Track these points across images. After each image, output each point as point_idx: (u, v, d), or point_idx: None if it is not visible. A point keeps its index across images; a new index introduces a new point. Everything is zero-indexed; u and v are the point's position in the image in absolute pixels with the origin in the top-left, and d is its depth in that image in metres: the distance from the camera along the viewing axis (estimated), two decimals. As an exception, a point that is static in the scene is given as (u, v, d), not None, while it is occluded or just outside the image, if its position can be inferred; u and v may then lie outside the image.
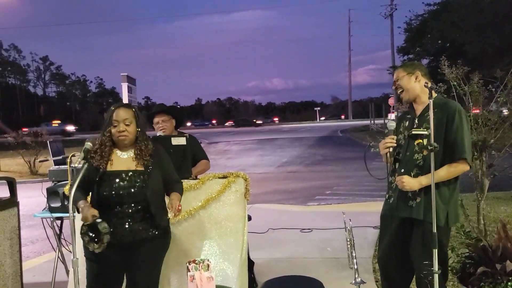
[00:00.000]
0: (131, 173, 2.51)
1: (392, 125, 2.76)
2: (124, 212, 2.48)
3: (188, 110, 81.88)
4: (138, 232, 2.51)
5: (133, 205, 2.49)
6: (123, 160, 2.56)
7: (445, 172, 2.59)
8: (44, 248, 5.94)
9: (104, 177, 2.48)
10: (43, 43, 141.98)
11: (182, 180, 3.30)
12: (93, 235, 2.33)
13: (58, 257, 3.91)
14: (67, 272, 3.89)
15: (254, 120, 54.45)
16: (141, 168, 2.55)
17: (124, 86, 8.75)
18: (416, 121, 2.75)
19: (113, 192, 2.47)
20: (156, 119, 3.76)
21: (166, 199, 2.68)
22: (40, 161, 5.28)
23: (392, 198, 2.81)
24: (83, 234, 2.36)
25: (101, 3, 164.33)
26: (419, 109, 2.78)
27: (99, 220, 2.33)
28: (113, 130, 2.52)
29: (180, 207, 2.52)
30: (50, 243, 4.11)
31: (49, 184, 3.88)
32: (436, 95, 2.78)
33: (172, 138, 3.38)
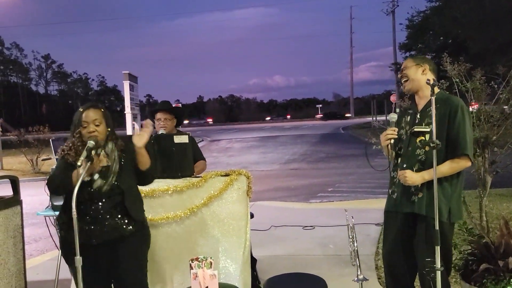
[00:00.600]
0: (104, 169, 2.52)
1: (393, 117, 2.76)
2: (100, 209, 2.50)
3: (190, 107, 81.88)
4: (116, 228, 2.52)
5: (108, 200, 2.51)
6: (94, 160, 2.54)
7: (447, 168, 2.59)
8: (47, 246, 5.96)
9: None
10: (44, 41, 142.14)
11: (185, 178, 3.33)
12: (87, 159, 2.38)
13: (62, 255, 3.92)
14: (70, 270, 3.90)
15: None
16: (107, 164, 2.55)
17: (126, 84, 8.70)
18: (418, 116, 2.74)
19: (89, 189, 2.47)
20: (159, 116, 3.81)
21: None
22: (42, 160, 5.31)
23: (396, 194, 2.80)
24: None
25: (103, 1, 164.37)
26: (421, 103, 2.77)
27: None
28: (83, 131, 2.52)
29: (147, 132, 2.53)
30: (53, 241, 4.10)
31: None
32: (439, 90, 2.78)
33: (175, 136, 3.39)
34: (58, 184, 2.52)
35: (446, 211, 2.63)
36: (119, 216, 2.55)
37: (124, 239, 2.55)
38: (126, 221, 2.56)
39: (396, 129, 2.73)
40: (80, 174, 2.32)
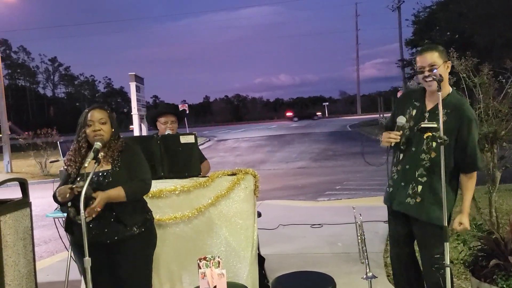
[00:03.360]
0: (98, 173, 2.52)
1: (401, 122, 2.65)
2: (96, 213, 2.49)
3: (197, 107, 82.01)
4: (112, 233, 2.52)
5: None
6: (92, 162, 2.52)
7: (471, 185, 2.65)
8: (57, 247, 6.00)
9: (73, 179, 2.53)
10: (51, 45, 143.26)
11: (191, 178, 3.33)
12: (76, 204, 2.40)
13: (71, 256, 3.95)
14: (80, 271, 3.93)
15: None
16: (107, 167, 2.56)
17: (132, 86, 8.76)
18: (427, 116, 2.63)
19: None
20: (163, 119, 3.82)
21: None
22: (50, 162, 5.35)
23: (391, 189, 2.80)
24: (68, 210, 2.43)
25: (108, 3, 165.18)
26: (431, 101, 2.65)
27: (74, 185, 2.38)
28: (88, 130, 2.55)
29: (97, 209, 2.39)
30: (63, 242, 4.14)
31: (60, 184, 3.91)
32: (451, 90, 2.65)
33: (181, 136, 3.40)
34: (54, 197, 2.55)
35: (447, 215, 2.64)
36: (112, 220, 2.53)
37: (123, 243, 2.54)
38: (120, 226, 2.54)
39: (401, 133, 2.64)
40: (86, 177, 2.34)
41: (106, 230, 2.52)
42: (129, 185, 2.55)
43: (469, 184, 2.65)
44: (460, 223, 2.64)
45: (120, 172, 2.56)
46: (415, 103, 2.74)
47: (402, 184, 2.71)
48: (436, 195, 2.54)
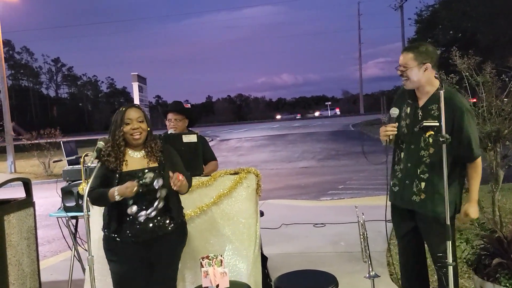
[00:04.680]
0: (147, 170, 2.53)
1: (395, 113, 2.69)
2: (143, 210, 2.51)
3: (200, 107, 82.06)
4: (158, 228, 2.54)
5: (151, 201, 2.51)
6: (137, 159, 2.59)
7: (476, 175, 2.64)
8: (60, 247, 6.02)
9: (122, 178, 2.50)
10: (54, 45, 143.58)
11: (193, 177, 3.34)
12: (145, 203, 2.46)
13: (74, 255, 3.97)
14: (84, 270, 3.94)
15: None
16: (155, 164, 2.58)
17: (135, 86, 8.78)
18: (420, 112, 2.67)
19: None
20: (169, 116, 3.83)
21: (183, 198, 2.74)
22: (54, 162, 5.36)
23: (397, 187, 2.81)
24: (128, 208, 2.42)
25: (111, 4, 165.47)
26: (422, 99, 2.69)
27: (142, 181, 2.40)
28: (126, 128, 2.54)
29: (180, 177, 2.45)
30: (66, 242, 4.16)
31: (64, 184, 3.93)
32: (439, 84, 2.68)
33: (183, 136, 3.40)
34: (96, 197, 2.49)
35: (452, 208, 2.65)
36: (162, 215, 2.56)
37: (163, 238, 2.57)
38: (167, 221, 2.59)
39: (396, 125, 2.68)
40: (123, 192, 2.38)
41: (147, 227, 2.52)
42: (187, 179, 2.61)
43: (473, 173, 2.64)
44: (466, 214, 2.65)
45: (167, 170, 2.57)
46: (408, 100, 2.78)
47: (407, 182, 2.73)
48: (439, 191, 2.55)
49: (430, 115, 2.59)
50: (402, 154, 2.75)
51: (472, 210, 2.65)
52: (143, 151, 2.61)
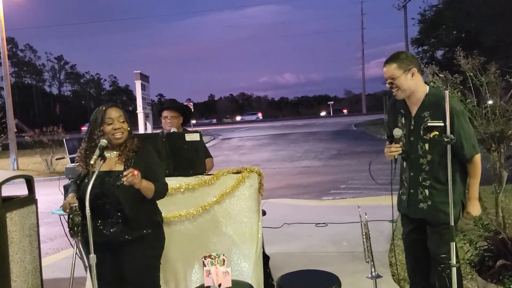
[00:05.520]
0: (110, 173, 2.51)
1: (398, 134, 2.70)
2: (105, 214, 2.49)
3: (202, 106, 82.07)
4: (120, 233, 2.49)
5: (110, 206, 2.49)
6: (107, 160, 2.51)
7: (475, 174, 2.64)
8: (62, 244, 6.03)
9: (90, 176, 2.44)
10: (57, 43, 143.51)
11: (196, 176, 3.33)
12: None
13: (76, 253, 3.96)
14: (85, 268, 3.94)
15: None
16: (119, 168, 2.52)
17: (138, 84, 8.77)
18: (413, 123, 2.69)
19: (96, 192, 2.44)
20: (165, 114, 3.87)
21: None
22: (56, 159, 5.35)
23: (405, 196, 2.83)
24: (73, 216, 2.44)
25: (114, 2, 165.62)
26: (413, 108, 2.71)
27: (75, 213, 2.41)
28: (107, 128, 2.49)
29: (135, 173, 2.35)
30: (68, 239, 4.15)
31: (66, 181, 3.93)
32: (428, 89, 2.70)
33: (186, 134, 3.40)
34: (65, 192, 2.57)
35: (459, 207, 2.68)
36: (120, 221, 2.51)
37: (130, 244, 2.52)
38: (127, 227, 2.50)
39: (400, 145, 2.70)
40: (93, 173, 2.34)
41: (112, 230, 2.50)
42: (157, 184, 2.55)
43: (471, 171, 2.66)
44: (468, 212, 2.68)
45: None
46: (401, 110, 2.80)
47: (412, 191, 2.76)
48: (444, 194, 2.54)
49: (423, 123, 2.59)
50: (405, 163, 2.80)
51: (473, 207, 2.67)
52: (115, 152, 2.57)
